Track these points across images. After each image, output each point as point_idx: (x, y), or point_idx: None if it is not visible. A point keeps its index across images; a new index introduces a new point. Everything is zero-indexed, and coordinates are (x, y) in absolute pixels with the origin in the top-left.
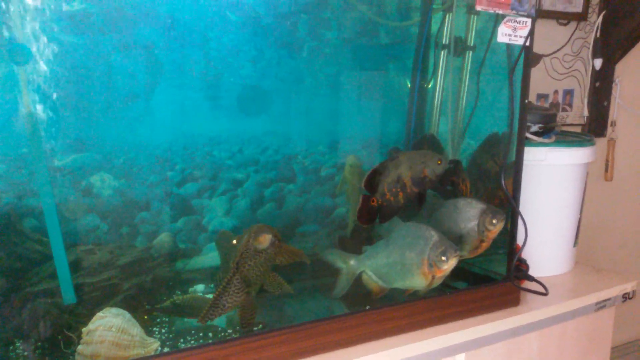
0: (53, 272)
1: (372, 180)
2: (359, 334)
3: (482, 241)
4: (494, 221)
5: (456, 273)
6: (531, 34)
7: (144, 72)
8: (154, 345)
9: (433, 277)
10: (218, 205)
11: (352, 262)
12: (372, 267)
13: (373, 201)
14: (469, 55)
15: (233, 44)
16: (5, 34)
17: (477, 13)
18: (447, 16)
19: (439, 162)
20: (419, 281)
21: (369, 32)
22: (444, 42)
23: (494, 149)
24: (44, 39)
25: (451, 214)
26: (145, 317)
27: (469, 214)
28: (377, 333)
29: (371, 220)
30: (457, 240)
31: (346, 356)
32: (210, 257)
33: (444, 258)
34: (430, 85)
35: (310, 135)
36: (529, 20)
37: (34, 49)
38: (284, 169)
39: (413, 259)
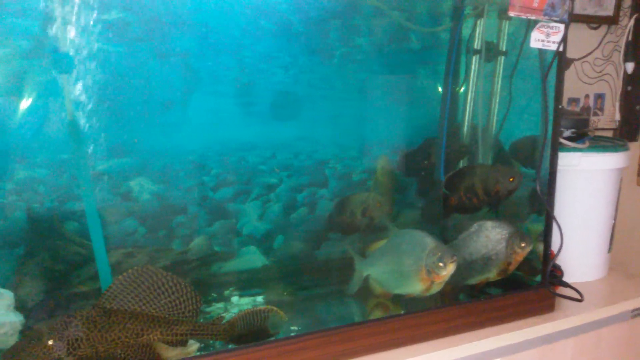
0: (94, 274)
1: (450, 183)
2: (393, 339)
3: (509, 264)
4: (523, 244)
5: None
6: (564, 39)
7: (180, 79)
8: (193, 346)
9: (432, 283)
10: (252, 209)
11: (359, 265)
12: (374, 272)
13: (452, 200)
14: (501, 60)
15: (266, 50)
16: (49, 43)
17: (509, 18)
18: (478, 21)
19: (511, 180)
20: (418, 287)
21: (400, 38)
22: (475, 47)
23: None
24: (86, 48)
25: (479, 235)
26: None
27: (498, 236)
28: (411, 338)
29: (456, 211)
30: (484, 261)
31: None
32: (245, 261)
33: (441, 264)
34: (462, 90)
35: (342, 141)
36: (562, 26)
37: (75, 58)
38: (316, 174)
39: (411, 266)
